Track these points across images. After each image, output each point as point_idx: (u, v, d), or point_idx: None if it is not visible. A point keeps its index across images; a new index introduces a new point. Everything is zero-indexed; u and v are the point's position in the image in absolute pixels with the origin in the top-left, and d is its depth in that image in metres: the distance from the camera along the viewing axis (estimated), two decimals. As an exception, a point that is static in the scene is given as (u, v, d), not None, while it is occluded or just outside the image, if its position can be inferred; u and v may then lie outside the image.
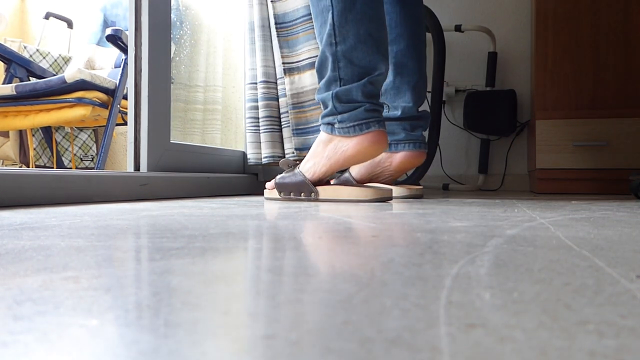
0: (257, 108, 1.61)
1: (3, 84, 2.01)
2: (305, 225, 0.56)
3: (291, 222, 0.59)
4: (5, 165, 2.40)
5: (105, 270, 0.29)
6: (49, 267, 0.30)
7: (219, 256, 0.34)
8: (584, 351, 0.16)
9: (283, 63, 1.54)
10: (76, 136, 2.49)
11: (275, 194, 1.16)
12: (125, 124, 2.00)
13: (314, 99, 1.52)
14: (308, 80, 1.54)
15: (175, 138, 1.47)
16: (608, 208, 0.87)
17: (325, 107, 1.07)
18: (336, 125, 1.06)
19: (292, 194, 1.10)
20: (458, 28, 2.19)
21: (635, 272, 0.29)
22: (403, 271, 0.29)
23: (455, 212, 0.76)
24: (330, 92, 1.06)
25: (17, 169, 0.91)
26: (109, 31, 1.79)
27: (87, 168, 2.48)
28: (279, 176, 1.15)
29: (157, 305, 0.22)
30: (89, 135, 2.53)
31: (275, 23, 1.54)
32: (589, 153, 1.79)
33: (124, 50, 1.82)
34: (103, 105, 1.89)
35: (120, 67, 1.98)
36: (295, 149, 1.55)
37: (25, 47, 2.31)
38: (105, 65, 2.22)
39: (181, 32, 1.68)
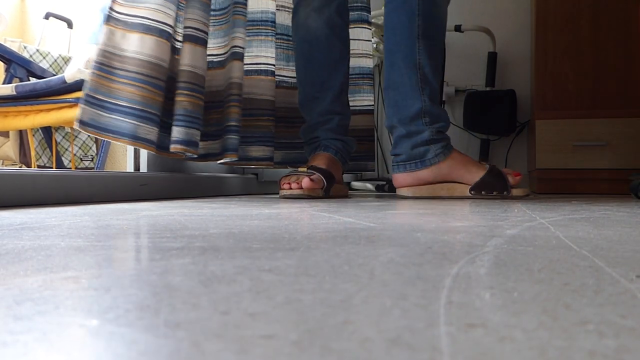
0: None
1: (3, 84, 2.01)
2: (305, 225, 0.56)
3: (291, 222, 0.59)
4: (5, 165, 2.40)
5: (105, 270, 0.29)
6: (49, 267, 0.30)
7: (219, 256, 0.34)
8: (584, 351, 0.16)
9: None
10: (76, 136, 2.49)
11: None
12: (125, 124, 2.00)
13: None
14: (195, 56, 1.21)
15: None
16: (608, 208, 0.87)
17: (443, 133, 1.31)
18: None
19: (484, 192, 1.26)
20: (458, 28, 2.19)
21: (635, 272, 0.29)
22: (403, 271, 0.29)
23: (455, 212, 0.76)
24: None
25: (17, 169, 0.91)
26: (109, 31, 1.79)
27: (87, 168, 2.48)
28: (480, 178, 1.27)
29: (157, 305, 0.22)
30: (89, 136, 2.53)
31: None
32: (589, 153, 1.79)
33: (124, 50, 1.82)
34: (103, 105, 1.88)
35: (120, 67, 1.98)
36: (177, 142, 1.17)
37: (25, 47, 2.31)
38: (105, 65, 2.22)
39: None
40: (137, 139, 1.13)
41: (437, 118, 1.31)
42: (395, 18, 1.30)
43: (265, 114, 1.51)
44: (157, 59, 1.15)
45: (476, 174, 1.26)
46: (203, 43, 1.25)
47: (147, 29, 1.14)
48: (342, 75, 1.40)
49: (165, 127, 1.21)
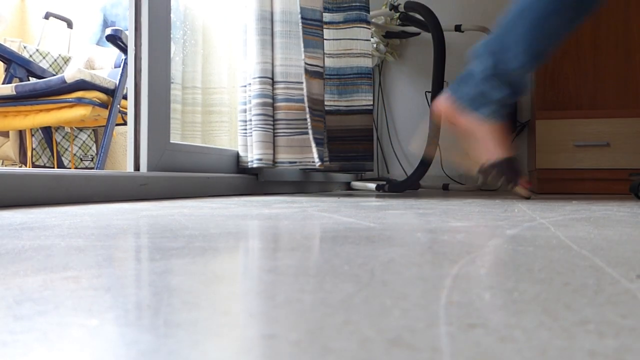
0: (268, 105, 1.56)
1: (3, 84, 2.01)
2: (305, 225, 0.56)
3: (291, 222, 0.58)
4: (5, 165, 2.40)
5: (105, 270, 0.29)
6: (49, 267, 0.30)
7: (219, 256, 0.34)
8: (584, 351, 0.16)
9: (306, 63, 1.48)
10: (76, 136, 2.49)
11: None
12: (125, 124, 2.00)
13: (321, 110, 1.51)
14: (316, 87, 1.48)
15: (176, 139, 1.47)
16: (608, 208, 0.87)
17: None
18: None
19: (494, 172, 1.26)
20: (458, 28, 2.19)
21: (635, 272, 0.29)
22: (403, 271, 0.29)
23: (455, 212, 0.76)
24: None
25: (17, 169, 0.91)
26: (109, 31, 1.79)
27: (87, 168, 2.48)
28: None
29: (157, 305, 0.22)
30: (88, 135, 2.53)
31: (301, 17, 1.48)
32: (589, 153, 1.79)
33: (124, 50, 1.82)
34: (103, 105, 1.88)
35: (120, 67, 1.98)
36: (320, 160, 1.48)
37: (25, 47, 2.31)
38: (105, 65, 2.22)
39: (181, 32, 1.68)
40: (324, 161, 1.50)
41: (516, 87, 1.30)
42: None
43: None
44: (322, 96, 1.51)
45: (498, 153, 1.25)
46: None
47: (319, 75, 1.49)
48: None
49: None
